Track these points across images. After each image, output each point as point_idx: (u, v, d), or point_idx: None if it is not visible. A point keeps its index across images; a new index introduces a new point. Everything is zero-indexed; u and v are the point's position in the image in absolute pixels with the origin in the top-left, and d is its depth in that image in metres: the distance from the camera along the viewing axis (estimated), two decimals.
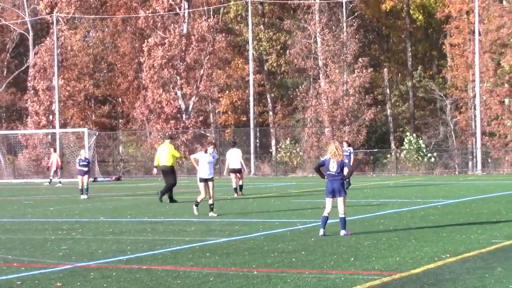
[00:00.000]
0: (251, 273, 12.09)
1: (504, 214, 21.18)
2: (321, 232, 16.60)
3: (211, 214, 22.27)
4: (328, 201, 16.73)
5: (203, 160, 22.94)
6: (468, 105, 63.08)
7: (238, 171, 31.88)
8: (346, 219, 16.90)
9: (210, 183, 22.84)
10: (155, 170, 30.61)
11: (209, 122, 68.69)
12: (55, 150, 50.52)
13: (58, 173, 49.55)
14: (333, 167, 16.67)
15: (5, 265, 13.59)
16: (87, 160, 34.23)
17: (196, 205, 22.80)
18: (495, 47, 59.24)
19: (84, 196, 32.52)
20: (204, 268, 12.68)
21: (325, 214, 16.74)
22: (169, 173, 28.85)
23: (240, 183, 31.93)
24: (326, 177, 16.80)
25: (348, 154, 32.26)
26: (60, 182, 48.44)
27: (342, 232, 16.66)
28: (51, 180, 49.15)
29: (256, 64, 68.59)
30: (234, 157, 32.11)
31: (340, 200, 16.66)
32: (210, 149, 23.20)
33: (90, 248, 15.61)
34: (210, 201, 22.61)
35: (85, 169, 33.34)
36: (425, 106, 72.73)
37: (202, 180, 22.95)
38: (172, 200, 28.60)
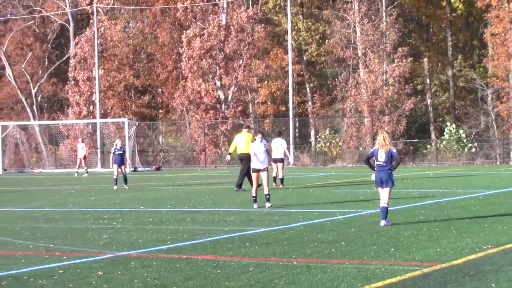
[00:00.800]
0: (291, 263, 12.10)
1: None
2: (382, 223, 16.60)
3: (267, 205, 21.67)
4: (380, 191, 16.80)
5: (256, 150, 22.30)
6: (510, 95, 62.41)
7: (280, 161, 31.60)
8: (388, 209, 16.83)
9: (263, 173, 22.12)
10: (228, 157, 32.61)
11: (248, 112, 68.73)
12: (83, 141, 50.35)
13: (82, 163, 48.96)
14: (381, 157, 16.70)
15: (47, 254, 13.74)
16: (122, 149, 33.41)
17: (254, 200, 22.04)
18: None
19: (126, 187, 32.40)
20: (244, 258, 12.71)
21: (382, 205, 16.76)
22: (247, 160, 29.27)
23: (281, 175, 31.42)
24: (375, 168, 16.82)
25: None
26: (87, 172, 48.05)
27: (382, 222, 16.60)
28: (86, 170, 48.57)
29: (295, 54, 68.46)
30: (278, 146, 31.91)
31: (386, 190, 16.68)
32: (259, 138, 22.47)
33: (130, 238, 15.71)
34: (266, 191, 21.89)
35: (121, 158, 32.63)
36: (466, 96, 72.06)
37: (255, 170, 22.30)
38: (239, 187, 29.11)
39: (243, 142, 29.39)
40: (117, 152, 32.81)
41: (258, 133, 22.88)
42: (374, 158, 16.96)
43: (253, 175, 22.37)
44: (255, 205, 21.84)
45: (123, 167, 32.93)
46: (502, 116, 63.10)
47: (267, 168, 22.29)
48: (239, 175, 29.60)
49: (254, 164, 22.33)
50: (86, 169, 48.32)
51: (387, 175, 16.64)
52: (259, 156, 22.18)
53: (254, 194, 22.11)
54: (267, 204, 21.68)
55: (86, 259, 13.01)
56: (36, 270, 12.08)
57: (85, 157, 49.22)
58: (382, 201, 16.73)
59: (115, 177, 32.81)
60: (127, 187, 32.30)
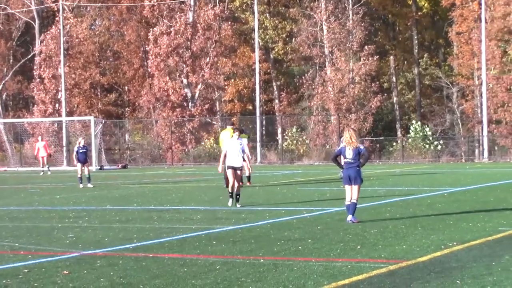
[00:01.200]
0: (258, 261, 12.11)
1: (511, 202, 21.14)
2: (349, 218, 16.70)
3: (238, 205, 21.34)
4: (348, 188, 16.87)
5: (232, 147, 21.94)
6: (475, 93, 62.95)
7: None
8: (356, 206, 16.90)
9: (238, 172, 21.75)
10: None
11: (215, 110, 68.66)
12: (42, 139, 50.01)
13: (44, 161, 48.79)
14: (349, 154, 16.77)
15: (12, 253, 13.63)
16: (86, 148, 33.20)
17: (231, 196, 21.66)
18: (501, 35, 59.05)
19: (90, 185, 32.28)
20: (211, 256, 12.70)
21: (347, 202, 16.84)
22: None
23: (247, 173, 30.85)
24: (343, 165, 16.89)
25: None
26: (47, 170, 48.01)
27: (349, 217, 16.66)
28: (48, 168, 48.27)
29: (262, 52, 68.50)
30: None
31: (355, 187, 16.76)
32: (236, 135, 22.35)
33: (96, 236, 15.64)
34: (238, 191, 21.60)
35: (85, 156, 32.48)
36: (431, 94, 72.55)
37: (230, 167, 21.76)
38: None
39: (229, 138, 29.72)
40: (80, 151, 32.58)
41: (237, 130, 22.92)
42: (341, 155, 17.03)
43: (229, 172, 21.88)
44: (230, 202, 21.57)
45: (86, 165, 32.74)
46: (467, 114, 63.62)
47: (242, 166, 22.10)
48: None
49: (229, 161, 21.89)
50: (48, 168, 48.07)
51: (355, 172, 16.71)
52: (234, 154, 21.81)
53: (230, 191, 21.74)
54: (238, 205, 21.39)
55: (51, 258, 12.92)
56: (0, 269, 11.98)
57: (49, 155, 48.98)
58: (348, 198, 16.80)
59: (79, 175, 32.61)
60: (91, 186, 32.11)
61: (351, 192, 16.79)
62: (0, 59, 74.76)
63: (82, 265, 12.13)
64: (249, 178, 31.09)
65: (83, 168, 32.50)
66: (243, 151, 22.26)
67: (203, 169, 50.45)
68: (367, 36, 64.03)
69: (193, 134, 62.40)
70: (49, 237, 15.76)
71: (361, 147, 16.94)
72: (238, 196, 21.55)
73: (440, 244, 13.45)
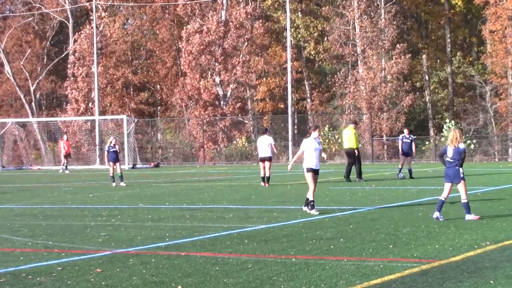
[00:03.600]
0: (290, 260, 12.10)
1: None
2: (435, 215, 16.78)
3: (313, 211, 18.99)
4: (446, 186, 17.01)
5: (309, 147, 19.43)
6: (508, 92, 62.42)
7: (267, 159, 30.17)
8: (468, 204, 16.95)
9: (317, 176, 19.52)
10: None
11: (247, 109, 68.73)
12: (67, 139, 51.18)
13: (63, 160, 49.77)
14: (449, 153, 16.92)
15: (45, 251, 13.74)
16: (117, 147, 33.24)
17: (310, 204, 19.11)
18: None
19: (122, 184, 32.40)
20: (242, 255, 12.71)
21: (441, 198, 17.01)
22: (352, 154, 31.61)
23: (267, 174, 30.10)
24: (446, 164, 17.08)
25: (409, 141, 33.48)
26: (66, 169, 49.01)
27: (468, 217, 16.77)
28: (66, 167, 49.48)
29: (294, 51, 68.45)
30: (263, 144, 30.50)
31: (459, 186, 16.90)
32: (315, 133, 19.66)
33: (129, 235, 15.72)
34: (311, 197, 19.25)
35: (116, 155, 32.60)
36: (464, 93, 72.06)
37: (309, 170, 19.40)
38: (347, 178, 30.83)
39: (346, 137, 31.70)
40: (111, 150, 32.76)
41: (316, 128, 20.05)
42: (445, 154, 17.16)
43: (308, 175, 19.45)
44: (314, 211, 18.97)
45: (118, 164, 32.86)
46: (500, 113, 63.11)
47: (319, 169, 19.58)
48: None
49: (307, 163, 19.43)
50: (66, 167, 49.03)
51: (454, 171, 16.84)
52: (311, 154, 19.43)
53: (310, 198, 19.22)
54: (313, 211, 19.08)
55: (84, 256, 13.02)
56: (34, 267, 12.08)
57: (69, 155, 50.11)
58: (444, 195, 16.97)
59: (111, 174, 32.82)
60: (123, 184, 32.27)
61: (448, 190, 16.97)
62: (35, 58, 75.40)
63: (114, 263, 12.20)
64: (268, 179, 30.17)
65: (114, 167, 32.66)
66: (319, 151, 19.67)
67: (235, 168, 50.52)
68: (399, 35, 63.76)
69: (225, 133, 62.48)
70: (82, 235, 15.87)
71: (461, 146, 16.93)
72: (312, 203, 19.27)
73: (473, 243, 13.36)
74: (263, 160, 30.28)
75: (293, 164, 20.97)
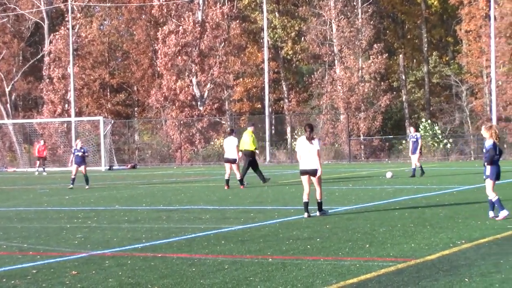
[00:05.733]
0: (266, 260, 12.10)
1: None
2: (491, 214, 16.72)
3: (317, 213, 18.33)
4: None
5: (303, 148, 18.61)
6: (484, 91, 62.81)
7: (232, 162, 29.37)
8: (493, 202, 16.84)
9: (314, 178, 18.33)
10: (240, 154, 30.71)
11: (224, 110, 68.72)
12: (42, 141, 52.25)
13: (38, 162, 50.88)
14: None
15: (20, 254, 13.65)
16: (82, 150, 32.81)
17: (306, 207, 18.18)
18: (510, 31, 58.89)
19: (87, 187, 31.67)
20: (219, 256, 12.69)
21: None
22: (250, 155, 30.96)
23: (238, 176, 29.46)
24: None
25: (415, 139, 33.50)
26: (42, 171, 49.80)
27: (503, 213, 16.57)
28: (37, 170, 50.55)
29: (271, 51, 68.49)
30: (229, 146, 29.79)
31: (486, 183, 16.94)
32: (308, 135, 18.58)
33: (105, 236, 15.65)
34: (318, 198, 18.30)
35: (81, 158, 32.19)
36: (441, 92, 72.46)
37: (303, 172, 18.55)
38: (240, 182, 29.76)
39: (244, 141, 30.71)
40: (76, 153, 32.45)
41: (307, 126, 18.74)
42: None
43: (303, 178, 18.56)
44: (305, 215, 18.05)
45: (83, 167, 32.38)
46: (476, 112, 63.50)
47: (317, 170, 18.25)
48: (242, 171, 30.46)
49: (302, 165, 18.57)
50: (37, 169, 50.05)
51: (484, 169, 16.87)
52: (305, 155, 18.50)
53: (305, 200, 18.26)
54: (317, 213, 18.39)
55: (60, 259, 12.94)
56: (9, 270, 11.99)
57: (45, 158, 50.92)
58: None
59: (72, 176, 32.23)
60: (88, 187, 31.78)
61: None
62: (11, 59, 74.96)
63: (90, 266, 12.14)
64: (241, 181, 29.61)
65: (78, 169, 32.28)
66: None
67: (212, 169, 50.49)
68: (376, 35, 64.00)
69: (202, 133, 62.42)
70: (58, 237, 15.78)
71: (486, 144, 16.89)
72: (319, 204, 18.33)
73: (449, 242, 13.42)
74: (228, 161, 29.62)
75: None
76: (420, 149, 33.83)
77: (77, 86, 65.90)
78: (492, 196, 16.75)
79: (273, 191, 26.97)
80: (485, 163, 16.88)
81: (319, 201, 18.32)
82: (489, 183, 16.84)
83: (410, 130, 35.37)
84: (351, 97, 60.48)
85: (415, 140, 33.60)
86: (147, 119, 70.75)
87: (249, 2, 70.94)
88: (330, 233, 15.08)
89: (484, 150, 16.99)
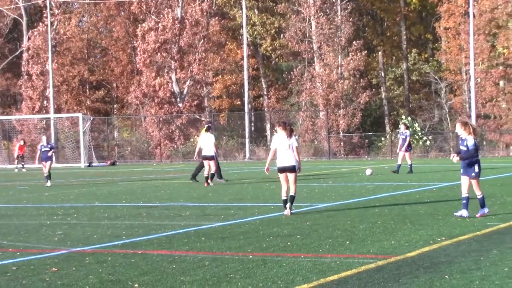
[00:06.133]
0: (247, 257, 12.09)
1: (499, 197, 21.20)
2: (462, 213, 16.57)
3: (288, 205, 17.85)
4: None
5: (281, 145, 18.13)
6: (463, 88, 63.09)
7: (209, 158, 29.04)
8: (482, 199, 16.79)
9: (291, 175, 18.05)
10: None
11: (204, 107, 68.63)
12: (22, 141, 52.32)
13: (16, 160, 50.86)
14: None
15: (0, 251, 13.57)
16: (49, 146, 32.73)
17: (285, 204, 17.93)
18: (489, 29, 59.19)
19: (48, 184, 31.39)
20: (199, 253, 12.68)
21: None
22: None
23: (212, 171, 29.10)
24: None
25: (404, 137, 33.70)
26: (21, 167, 49.82)
27: (462, 212, 16.53)
28: (16, 167, 50.48)
29: (250, 48, 68.47)
30: (206, 142, 29.52)
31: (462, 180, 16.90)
32: (280, 130, 18.22)
33: (85, 233, 15.60)
34: (292, 193, 17.94)
35: (48, 155, 32.09)
36: (420, 89, 72.71)
37: (281, 170, 18.20)
38: (194, 178, 30.31)
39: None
40: (43, 149, 32.28)
41: (279, 124, 18.44)
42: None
43: (280, 176, 18.24)
44: (286, 212, 17.86)
45: (48, 163, 32.07)
46: (455, 109, 63.77)
47: (295, 167, 18.04)
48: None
49: (279, 162, 18.21)
50: (23, 165, 50.11)
51: (467, 167, 16.89)
52: (282, 152, 18.09)
53: (284, 197, 18.09)
54: (286, 211, 17.91)
55: (40, 256, 12.88)
56: None
57: (23, 156, 51.04)
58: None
59: (45, 174, 32.05)
60: (49, 184, 31.40)
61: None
62: None
63: (70, 262, 12.09)
64: (212, 176, 29.22)
65: (44, 165, 32.12)
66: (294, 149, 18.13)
67: (192, 166, 50.33)
68: (355, 32, 64.12)
69: (181, 130, 62.32)
70: (38, 234, 15.71)
71: (469, 143, 16.83)
72: (292, 200, 17.99)
73: (429, 239, 13.47)
74: (205, 158, 29.25)
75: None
76: (410, 146, 34.00)
77: (56, 83, 65.61)
78: (479, 194, 16.78)
79: (253, 188, 26.98)
80: (465, 159, 16.90)
81: (293, 195, 17.97)
82: (475, 181, 16.84)
83: (400, 127, 35.48)
84: (331, 94, 60.58)
85: (404, 137, 33.73)
86: (127, 116, 70.57)
87: None
88: (311, 230, 15.10)
89: (464, 147, 16.97)
